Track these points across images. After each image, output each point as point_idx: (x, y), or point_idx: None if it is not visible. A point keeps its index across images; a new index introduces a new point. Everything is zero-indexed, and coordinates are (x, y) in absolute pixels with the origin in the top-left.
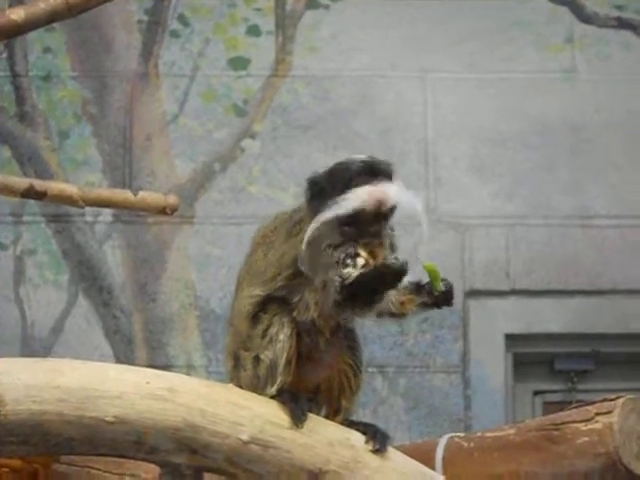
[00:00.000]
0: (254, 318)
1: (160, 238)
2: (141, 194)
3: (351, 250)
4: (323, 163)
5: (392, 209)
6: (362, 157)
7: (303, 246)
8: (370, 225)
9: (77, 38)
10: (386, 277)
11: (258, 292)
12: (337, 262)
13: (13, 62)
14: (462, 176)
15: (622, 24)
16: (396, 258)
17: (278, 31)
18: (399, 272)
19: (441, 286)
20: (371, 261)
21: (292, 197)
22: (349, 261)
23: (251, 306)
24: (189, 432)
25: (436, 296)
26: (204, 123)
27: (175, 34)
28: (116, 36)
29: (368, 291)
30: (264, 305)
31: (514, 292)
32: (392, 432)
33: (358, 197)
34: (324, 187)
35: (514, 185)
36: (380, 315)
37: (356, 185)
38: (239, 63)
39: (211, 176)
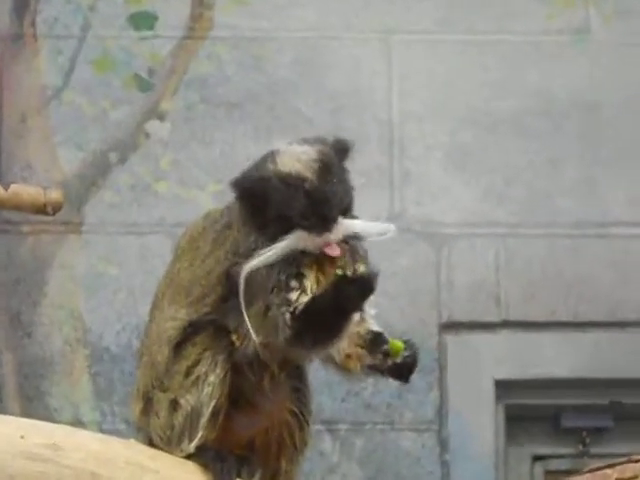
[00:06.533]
0: (178, 348)
1: (38, 252)
2: (13, 187)
3: (293, 270)
4: (254, 153)
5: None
6: (308, 177)
7: (241, 280)
8: None
9: None
10: (348, 294)
11: (182, 315)
12: (277, 287)
13: None
14: (438, 171)
15: None
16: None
17: None
18: (365, 283)
19: (401, 356)
20: (322, 278)
21: (212, 198)
22: (294, 283)
23: (175, 330)
24: None
25: (390, 365)
26: (97, 100)
27: None
28: None
29: (327, 318)
30: (192, 332)
31: (507, 325)
32: None
33: (302, 242)
34: (260, 204)
35: (507, 183)
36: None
37: (299, 227)
38: (143, 20)
39: (106, 170)
